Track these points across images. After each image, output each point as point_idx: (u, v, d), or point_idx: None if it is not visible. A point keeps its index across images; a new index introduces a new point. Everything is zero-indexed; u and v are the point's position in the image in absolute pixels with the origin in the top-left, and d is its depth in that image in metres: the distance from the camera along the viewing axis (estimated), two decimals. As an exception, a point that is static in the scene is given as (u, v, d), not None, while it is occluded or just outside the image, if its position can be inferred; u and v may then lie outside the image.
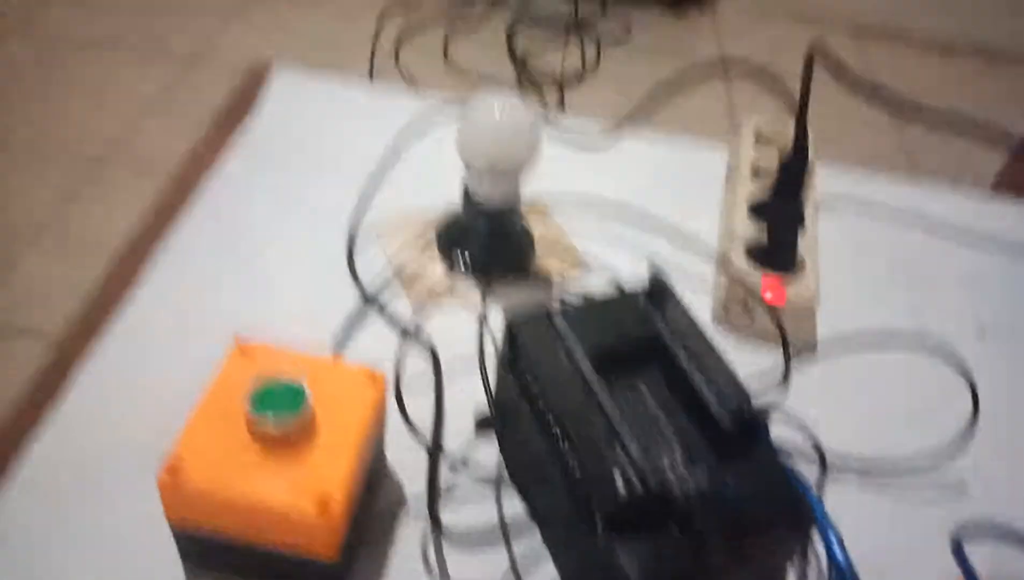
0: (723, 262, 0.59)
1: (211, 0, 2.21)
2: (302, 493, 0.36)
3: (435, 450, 0.46)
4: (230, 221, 0.61)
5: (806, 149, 0.54)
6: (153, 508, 0.38)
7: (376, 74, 2.06)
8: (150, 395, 0.49)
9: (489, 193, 0.54)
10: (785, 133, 0.70)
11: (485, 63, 2.16)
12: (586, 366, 0.42)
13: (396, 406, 0.48)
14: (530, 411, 0.43)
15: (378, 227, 0.62)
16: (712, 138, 0.77)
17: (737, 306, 0.57)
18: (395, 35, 2.19)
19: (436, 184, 0.65)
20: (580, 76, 2.18)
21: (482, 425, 0.49)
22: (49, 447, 0.46)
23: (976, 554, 0.46)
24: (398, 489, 0.47)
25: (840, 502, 0.48)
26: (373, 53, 2.11)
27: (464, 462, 0.48)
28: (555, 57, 2.24)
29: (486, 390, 0.46)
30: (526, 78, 2.13)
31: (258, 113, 0.71)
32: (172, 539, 0.39)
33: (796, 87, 0.59)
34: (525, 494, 0.47)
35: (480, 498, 0.46)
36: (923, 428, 0.53)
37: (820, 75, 0.59)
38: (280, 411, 0.37)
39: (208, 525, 0.38)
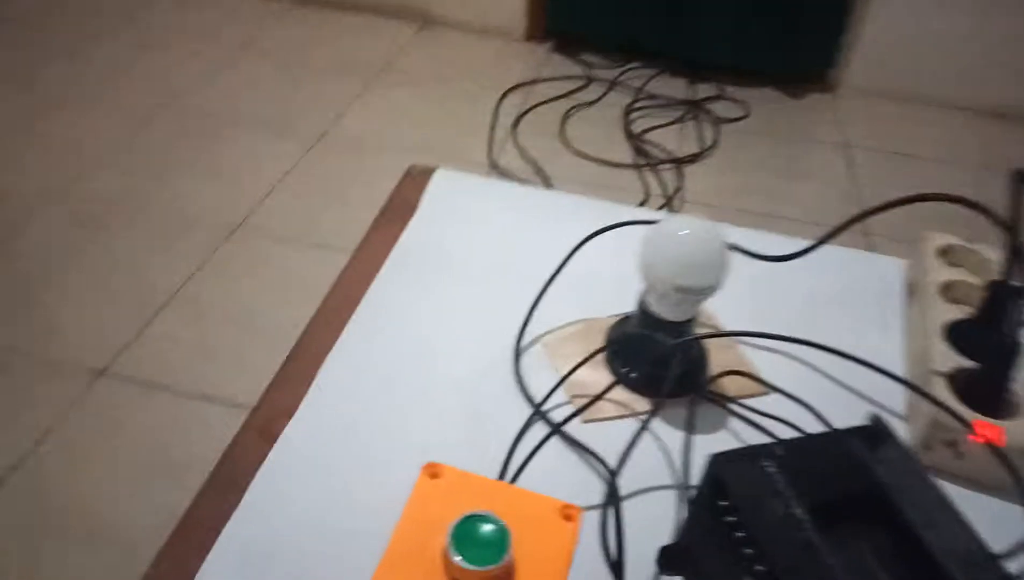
0: (923, 395, 0.54)
1: (334, 85, 2.33)
2: (505, 649, 0.34)
3: None
4: (395, 329, 0.60)
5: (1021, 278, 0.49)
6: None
7: (495, 149, 2.10)
8: (322, 509, 0.47)
9: (670, 313, 0.52)
10: (973, 254, 0.65)
11: (602, 142, 2.17)
12: (803, 517, 0.38)
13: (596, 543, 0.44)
14: (733, 559, 0.39)
15: (545, 338, 0.60)
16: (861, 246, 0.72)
17: (943, 445, 0.51)
18: (513, 114, 2.24)
19: (602, 293, 0.63)
20: (697, 156, 2.16)
21: (668, 563, 0.45)
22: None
23: None
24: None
25: None
26: (492, 131, 2.16)
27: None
28: (671, 137, 2.23)
29: (686, 526, 0.43)
30: (643, 157, 2.12)
31: (420, 215, 0.71)
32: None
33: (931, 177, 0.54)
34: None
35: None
36: None
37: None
38: (482, 559, 0.35)
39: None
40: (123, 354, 1.46)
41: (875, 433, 0.42)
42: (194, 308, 1.57)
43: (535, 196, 0.76)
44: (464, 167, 2.03)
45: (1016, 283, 0.51)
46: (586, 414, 0.54)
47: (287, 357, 0.59)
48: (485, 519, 0.36)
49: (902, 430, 0.55)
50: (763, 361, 0.59)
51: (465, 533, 0.36)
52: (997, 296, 0.53)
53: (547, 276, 0.62)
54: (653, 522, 0.48)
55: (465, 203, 0.73)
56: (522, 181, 1.99)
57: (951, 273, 0.63)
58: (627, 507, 0.49)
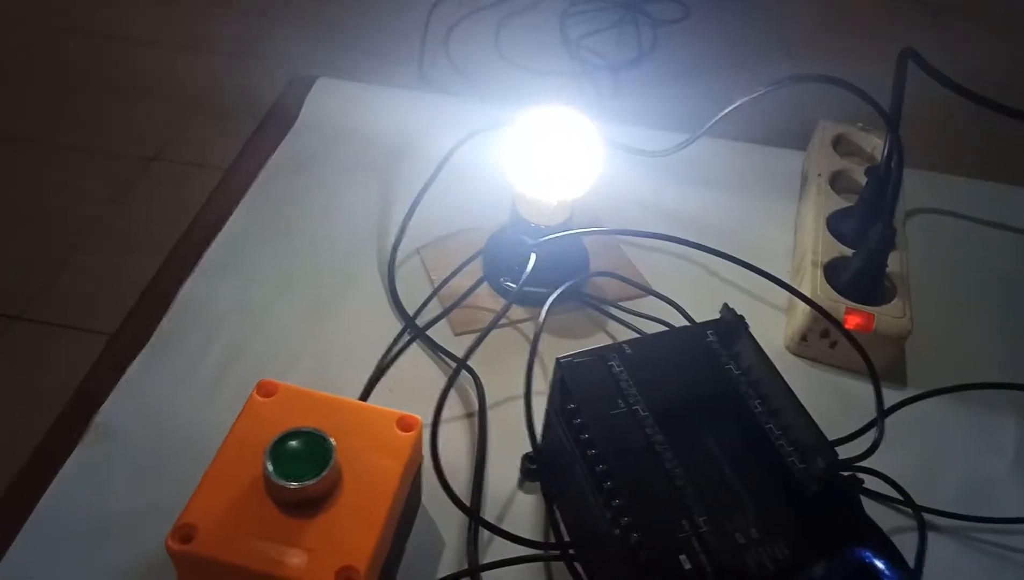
0: (800, 285, 0.53)
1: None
2: (323, 567, 0.32)
3: (475, 517, 0.41)
4: (267, 244, 0.58)
5: (900, 163, 0.48)
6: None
7: (425, 61, 2.02)
8: (178, 427, 0.45)
9: (541, 217, 0.49)
10: (867, 142, 0.63)
11: (537, 49, 2.10)
12: (646, 417, 0.37)
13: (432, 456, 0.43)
14: (583, 465, 0.38)
15: (421, 246, 0.57)
16: (781, 143, 0.70)
17: (816, 334, 0.51)
18: (447, 21, 2.15)
19: (482, 199, 0.60)
20: (635, 60, 2.10)
21: (529, 470, 0.44)
22: (73, 483, 0.43)
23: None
24: (432, 531, 0.42)
25: (939, 561, 0.43)
26: (423, 40, 2.07)
27: (504, 514, 0.43)
28: (609, 41, 2.16)
29: (530, 435, 0.42)
30: (579, 64, 2.06)
31: (299, 126, 0.67)
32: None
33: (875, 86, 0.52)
34: (577, 550, 0.42)
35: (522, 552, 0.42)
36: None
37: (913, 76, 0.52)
38: (301, 475, 0.33)
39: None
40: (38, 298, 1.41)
41: (730, 326, 0.41)
42: (111, 239, 1.52)
43: (421, 101, 0.72)
44: (392, 79, 1.96)
45: (893, 171, 0.50)
46: (458, 325, 0.52)
47: (150, 281, 0.56)
48: (307, 434, 0.35)
49: (783, 322, 0.55)
50: (650, 261, 0.57)
51: (285, 450, 0.34)
52: (876, 187, 0.52)
53: (430, 185, 0.59)
54: (523, 430, 0.47)
55: (348, 112, 0.69)
56: (453, 93, 1.92)
57: (841, 163, 0.61)
58: (496, 415, 0.48)
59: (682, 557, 0.32)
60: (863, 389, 0.50)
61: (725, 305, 0.41)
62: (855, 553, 0.28)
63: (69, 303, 1.39)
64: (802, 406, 0.37)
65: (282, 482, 0.33)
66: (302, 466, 0.34)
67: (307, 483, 0.33)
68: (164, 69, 1.92)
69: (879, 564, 0.27)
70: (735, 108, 0.53)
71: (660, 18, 2.24)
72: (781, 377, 0.38)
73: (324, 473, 0.34)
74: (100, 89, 1.85)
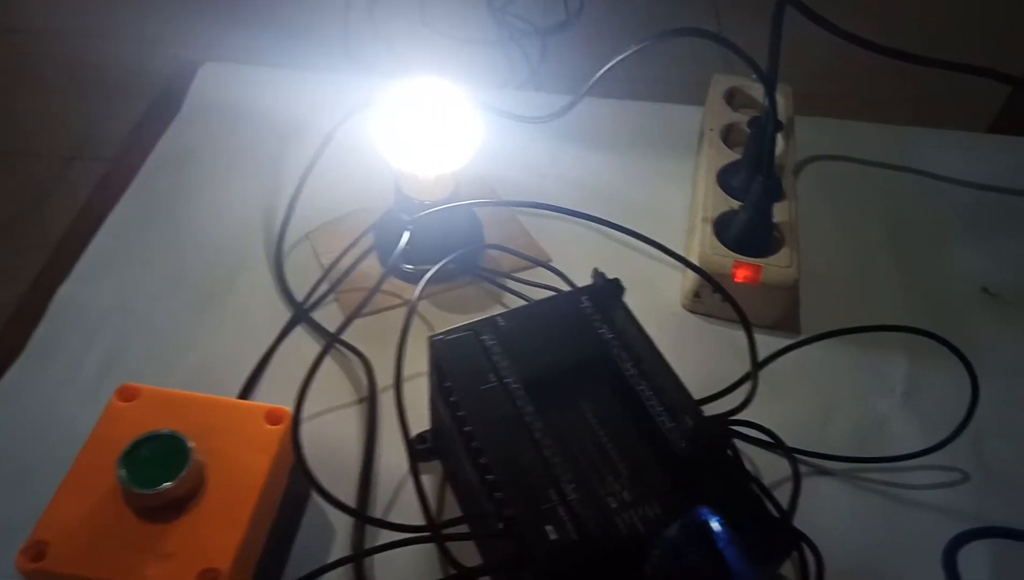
0: (692, 242, 0.53)
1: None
2: (183, 570, 0.31)
3: (348, 510, 0.39)
4: (152, 230, 0.56)
5: (775, 115, 0.47)
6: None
7: (350, 37, 1.97)
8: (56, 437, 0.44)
9: (423, 192, 0.48)
10: (760, 93, 0.63)
11: (463, 18, 2.06)
12: (517, 389, 0.37)
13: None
14: (459, 442, 0.37)
15: (310, 231, 0.56)
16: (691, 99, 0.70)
17: (708, 291, 0.51)
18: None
19: (373, 178, 0.58)
20: (563, 24, 2.08)
21: (418, 452, 0.44)
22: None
23: (972, 559, 0.41)
24: (323, 520, 0.42)
25: (824, 504, 0.43)
26: (346, 13, 2.03)
27: (397, 497, 0.43)
28: (536, 5, 2.13)
29: (399, 415, 0.41)
30: (505, 31, 2.03)
31: (183, 114, 0.65)
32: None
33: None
34: (471, 528, 0.41)
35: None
36: (918, 419, 0.48)
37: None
38: (158, 480, 0.32)
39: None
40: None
41: (604, 291, 0.40)
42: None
43: (310, 80, 0.70)
44: (316, 58, 1.91)
45: (772, 122, 0.49)
46: (348, 308, 0.51)
47: (29, 286, 0.54)
48: (164, 437, 0.34)
49: (679, 282, 0.55)
50: (548, 229, 0.57)
51: (140, 455, 0.33)
52: (756, 139, 0.51)
53: (314, 165, 0.57)
54: (421, 412, 0.47)
55: (235, 95, 0.67)
56: (380, 70, 1.88)
57: (733, 116, 0.61)
58: (389, 398, 0.47)
59: (548, 527, 0.32)
60: (758, 341, 0.50)
61: (595, 269, 0.40)
62: (697, 512, 0.28)
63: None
64: (670, 367, 0.37)
65: (137, 488, 0.32)
66: (159, 470, 0.33)
67: (163, 487, 0.32)
68: (78, 60, 1.85)
69: (713, 521, 0.27)
70: (611, 66, 0.52)
71: (587, -21, 2.22)
72: (651, 342, 0.38)
73: (181, 475, 0.32)
74: (11, 85, 1.77)
